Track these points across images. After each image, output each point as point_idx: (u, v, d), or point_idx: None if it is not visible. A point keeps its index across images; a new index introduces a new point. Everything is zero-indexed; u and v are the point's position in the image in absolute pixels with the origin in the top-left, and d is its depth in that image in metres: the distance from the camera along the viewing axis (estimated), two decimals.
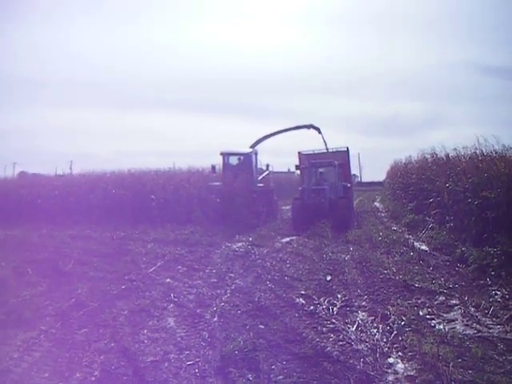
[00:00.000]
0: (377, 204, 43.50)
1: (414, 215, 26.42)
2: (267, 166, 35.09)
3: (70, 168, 58.80)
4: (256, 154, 32.63)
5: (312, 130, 34.82)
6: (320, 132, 34.51)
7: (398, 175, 40.86)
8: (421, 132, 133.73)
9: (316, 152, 32.82)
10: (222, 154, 31.89)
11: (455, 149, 23.83)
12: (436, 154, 26.95)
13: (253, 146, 33.85)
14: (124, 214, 30.98)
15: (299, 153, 33.19)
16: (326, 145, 33.54)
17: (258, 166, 33.21)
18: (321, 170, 29.98)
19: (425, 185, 26.14)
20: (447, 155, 24.75)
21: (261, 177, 33.02)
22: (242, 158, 32.07)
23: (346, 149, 32.58)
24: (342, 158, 31.46)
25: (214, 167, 32.03)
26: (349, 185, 30.84)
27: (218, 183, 30.50)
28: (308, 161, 30.39)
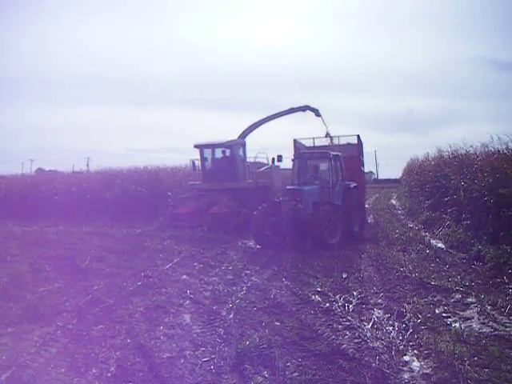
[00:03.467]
0: (393, 201, 43.36)
1: (430, 213, 26.26)
2: (273, 159, 28.31)
3: (87, 165, 59.10)
4: (243, 145, 28.47)
5: (309, 113, 30.03)
6: (318, 114, 29.80)
7: (414, 172, 40.65)
8: (436, 129, 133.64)
9: (318, 140, 27.76)
10: (196, 146, 27.91)
11: (472, 146, 23.79)
12: (455, 151, 26.80)
13: (242, 136, 29.29)
14: (140, 211, 31.08)
15: (295, 141, 26.90)
16: (327, 130, 28.88)
17: (258, 160, 30.20)
18: (312, 163, 23.13)
19: (442, 182, 26.00)
20: (464, 152, 24.65)
21: (262, 169, 28.87)
22: (224, 150, 27.72)
23: (356, 138, 26.79)
24: (350, 149, 26.07)
25: (194, 163, 28.34)
26: (353, 185, 22.70)
27: (198, 182, 28.10)
28: (299, 151, 24.93)
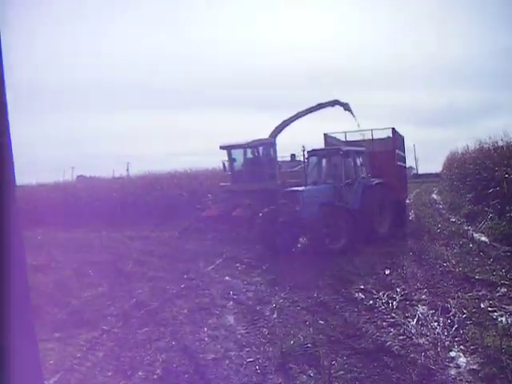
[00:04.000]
0: (434, 196, 42.90)
1: (472, 206, 25.95)
2: (292, 156, 28.66)
3: (127, 170, 59.59)
4: (270, 144, 26.77)
5: (338, 108, 28.41)
6: (347, 109, 28.20)
7: (454, 166, 40.25)
8: (476, 121, 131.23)
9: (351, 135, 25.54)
10: (222, 147, 26.50)
11: None
12: (496, 143, 26.48)
13: (273, 135, 27.92)
14: (181, 214, 31.21)
15: (325, 135, 24.91)
16: (358, 124, 27.40)
17: (297, 159, 27.68)
18: (326, 160, 21.87)
19: (483, 175, 25.71)
20: (507, 144, 24.34)
21: (295, 168, 26.66)
22: (252, 150, 26.49)
23: (391, 131, 24.46)
24: (384, 144, 24.45)
25: (224, 164, 26.99)
26: (376, 181, 21.02)
27: (228, 183, 26.92)
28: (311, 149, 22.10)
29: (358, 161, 21.25)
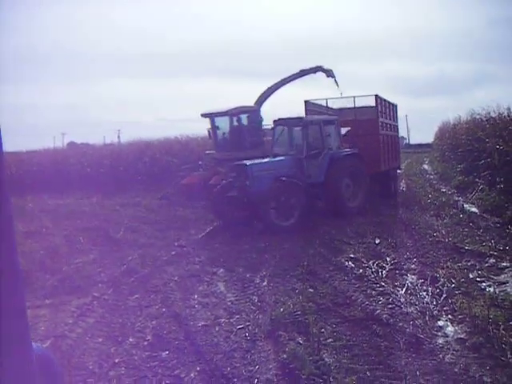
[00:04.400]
0: (425, 166, 42.96)
1: (463, 177, 26.01)
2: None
3: (118, 137, 59.38)
4: (253, 112, 25.77)
5: (321, 75, 27.13)
6: (330, 75, 26.80)
7: (446, 136, 40.30)
8: (468, 91, 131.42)
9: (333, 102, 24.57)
10: (203, 115, 25.41)
11: (508, 108, 23.43)
12: (488, 113, 26.46)
13: (258, 103, 26.73)
14: (172, 181, 31.14)
15: (306, 103, 23.82)
16: (340, 92, 25.89)
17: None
18: (291, 131, 20.31)
19: (474, 146, 25.73)
20: (499, 115, 24.32)
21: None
22: (233, 118, 25.31)
23: (374, 98, 23.15)
24: (367, 112, 23.29)
25: (209, 132, 26.23)
26: (346, 152, 19.72)
27: (213, 151, 26.00)
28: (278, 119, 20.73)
29: (328, 131, 19.58)
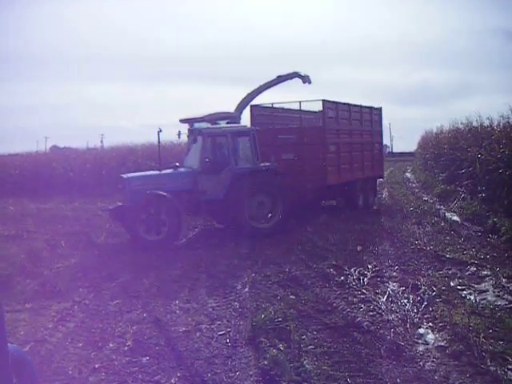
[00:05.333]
0: (408, 174, 43.22)
1: (445, 186, 26.22)
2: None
3: (101, 141, 59.17)
4: (233, 118, 22.15)
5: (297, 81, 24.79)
6: (306, 81, 24.64)
7: (429, 145, 40.55)
8: (452, 101, 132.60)
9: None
10: (182, 121, 21.08)
11: (488, 118, 23.62)
12: (470, 123, 26.64)
13: (238, 110, 23.99)
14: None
15: (252, 108, 21.71)
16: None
17: None
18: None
19: (457, 155, 25.91)
20: (481, 125, 24.51)
21: None
22: (215, 124, 21.11)
23: (321, 103, 20.75)
24: (313, 119, 21.97)
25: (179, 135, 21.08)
26: (260, 166, 17.74)
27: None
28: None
29: (239, 143, 18.04)
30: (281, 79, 25.16)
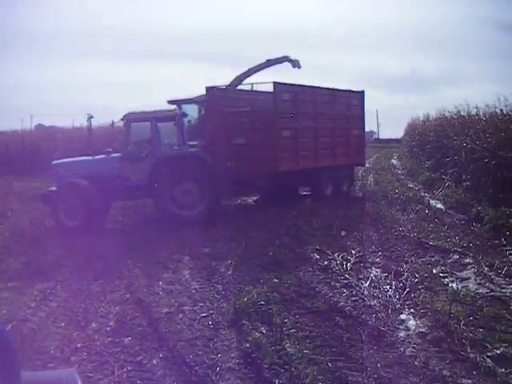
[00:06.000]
0: (394, 161, 43.24)
1: (430, 173, 26.24)
2: None
3: (88, 120, 58.71)
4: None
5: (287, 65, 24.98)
6: (296, 65, 24.85)
7: (415, 133, 40.52)
8: (441, 89, 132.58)
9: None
10: (170, 102, 22.67)
11: (476, 107, 23.65)
12: (458, 112, 26.66)
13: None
14: None
15: (207, 89, 19.39)
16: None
17: None
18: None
19: (443, 142, 25.94)
20: (468, 113, 24.56)
21: None
22: (199, 106, 22.51)
23: (272, 86, 19.54)
24: (266, 102, 20.08)
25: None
26: (186, 152, 17.57)
27: None
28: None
29: (164, 128, 17.92)
30: (270, 63, 24.81)
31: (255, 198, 21.33)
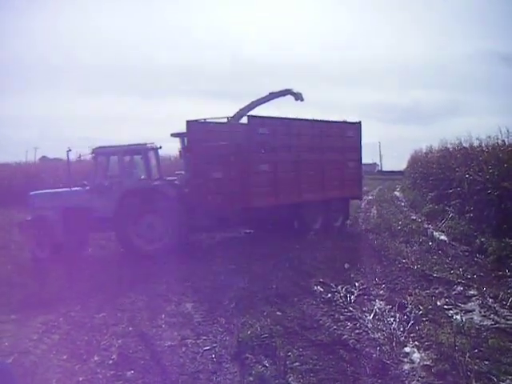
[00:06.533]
0: (397, 193, 43.28)
1: (433, 205, 26.24)
2: None
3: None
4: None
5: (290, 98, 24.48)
6: (298, 98, 24.32)
7: (418, 164, 40.62)
8: (441, 121, 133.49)
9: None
10: (173, 135, 21.91)
11: (478, 138, 23.70)
12: (460, 143, 26.71)
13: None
14: None
15: (188, 123, 19.02)
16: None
17: None
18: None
19: (446, 174, 25.97)
20: (470, 145, 24.60)
21: None
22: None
23: (247, 119, 19.73)
24: (236, 135, 19.90)
25: (181, 152, 22.37)
26: (152, 185, 17.96)
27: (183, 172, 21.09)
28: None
29: (132, 161, 18.59)
30: (273, 96, 24.53)
31: (247, 230, 20.93)
